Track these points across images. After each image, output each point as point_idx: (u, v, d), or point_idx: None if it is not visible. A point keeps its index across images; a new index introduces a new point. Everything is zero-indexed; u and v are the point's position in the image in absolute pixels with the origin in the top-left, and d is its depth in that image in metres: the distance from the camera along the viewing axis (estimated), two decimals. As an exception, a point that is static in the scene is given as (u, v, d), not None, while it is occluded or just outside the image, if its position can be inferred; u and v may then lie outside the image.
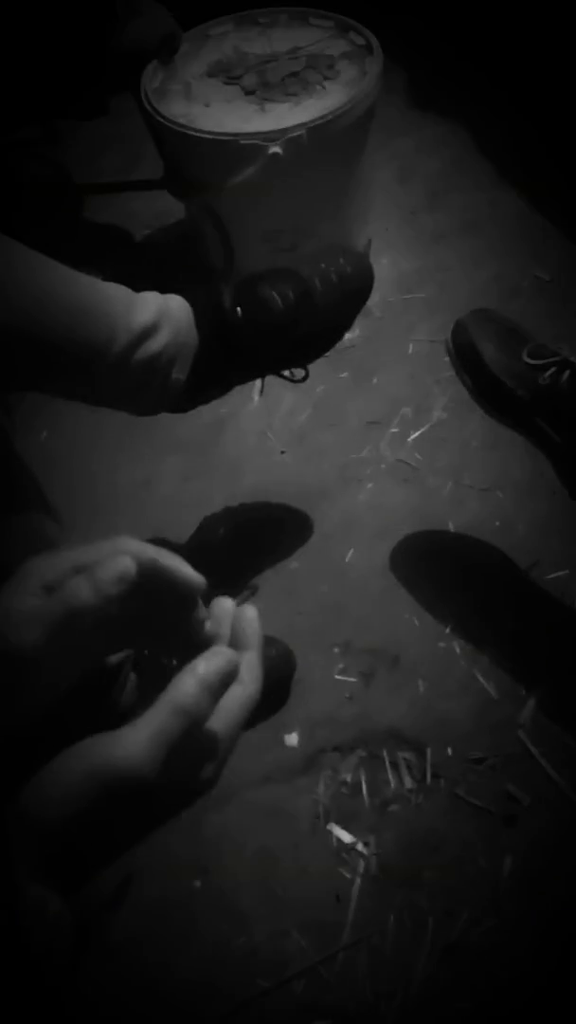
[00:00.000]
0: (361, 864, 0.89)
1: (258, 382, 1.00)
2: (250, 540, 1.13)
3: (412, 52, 1.66)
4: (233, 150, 1.12)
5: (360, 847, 0.90)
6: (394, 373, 1.27)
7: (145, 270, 0.89)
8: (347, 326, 0.95)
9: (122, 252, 1.49)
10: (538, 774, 0.92)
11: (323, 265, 0.91)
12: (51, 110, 1.50)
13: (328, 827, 0.91)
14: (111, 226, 1.54)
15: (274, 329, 0.87)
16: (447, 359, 1.25)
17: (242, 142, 1.11)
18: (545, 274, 1.35)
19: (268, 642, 0.99)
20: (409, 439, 1.20)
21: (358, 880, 0.88)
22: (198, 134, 1.13)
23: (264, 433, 1.23)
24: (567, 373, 0.90)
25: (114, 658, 0.84)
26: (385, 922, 0.86)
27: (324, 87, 1.18)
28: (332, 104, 1.14)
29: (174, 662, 0.92)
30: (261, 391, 1.00)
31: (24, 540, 0.73)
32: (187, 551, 1.13)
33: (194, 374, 0.84)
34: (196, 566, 1.19)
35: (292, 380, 0.96)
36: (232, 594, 1.08)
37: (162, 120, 1.17)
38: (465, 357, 0.95)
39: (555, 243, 1.39)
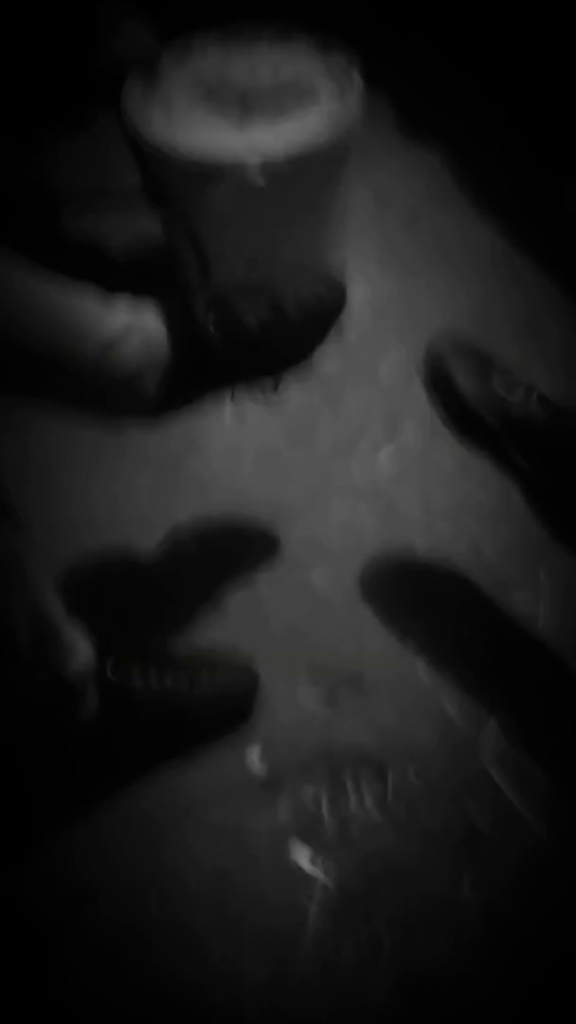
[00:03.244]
0: (319, 887, 0.88)
1: (228, 397, 1.00)
2: (216, 558, 1.13)
3: (395, 78, 1.68)
4: (210, 170, 1.13)
5: (318, 870, 0.89)
6: (365, 395, 1.28)
7: (120, 284, 0.89)
8: (318, 346, 0.96)
9: (97, 265, 1.48)
10: (499, 798, 0.92)
11: (297, 285, 0.92)
12: (31, 123, 1.51)
13: (287, 848, 0.90)
14: (85, 238, 1.53)
15: (246, 345, 0.88)
16: (418, 383, 1.27)
17: (219, 162, 1.12)
18: (515, 306, 1.37)
19: (231, 660, 0.99)
20: (378, 461, 1.20)
21: (315, 903, 0.87)
22: (176, 153, 1.14)
23: (233, 451, 1.23)
24: (536, 401, 0.91)
25: (74, 670, 0.83)
26: (342, 946, 0.85)
27: (305, 109, 1.19)
28: (312, 127, 1.15)
29: (135, 677, 0.91)
30: (231, 404, 1.01)
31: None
32: (152, 567, 1.12)
33: (163, 386, 0.84)
34: (163, 582, 1.19)
35: (262, 396, 0.96)
36: (196, 611, 1.09)
37: (140, 136, 1.17)
38: (437, 382, 0.96)
39: (528, 274, 1.42)
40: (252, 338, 0.88)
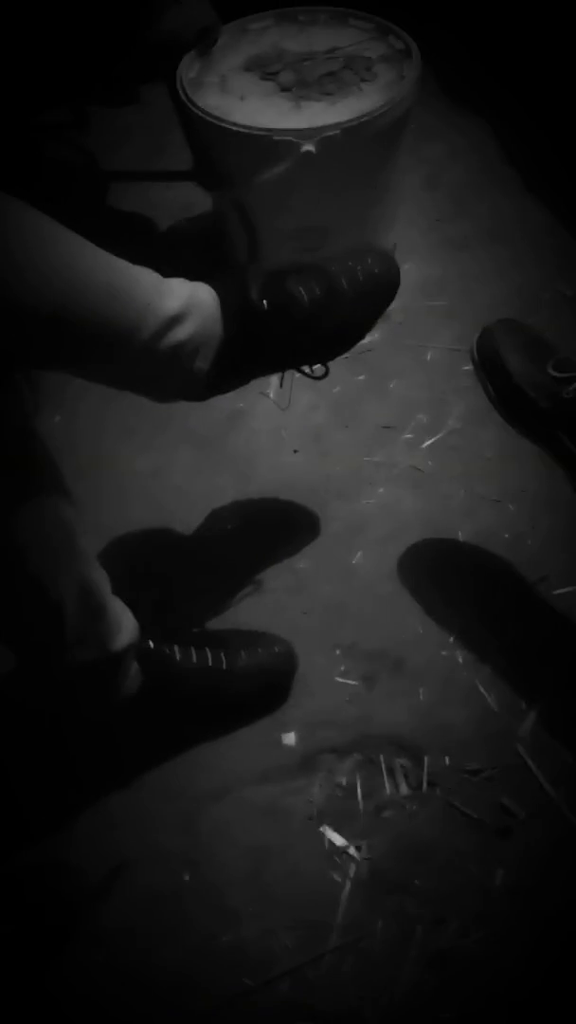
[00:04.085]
0: (352, 868, 0.89)
1: (275, 377, 1.00)
2: (258, 536, 1.13)
3: (446, 60, 1.65)
4: (266, 145, 1.12)
5: (352, 851, 0.89)
6: (411, 379, 1.27)
7: (168, 261, 0.88)
8: (370, 326, 0.95)
9: (145, 241, 1.48)
10: (534, 788, 0.92)
11: (351, 263, 0.91)
12: (81, 94, 1.50)
13: (321, 829, 0.91)
14: (135, 214, 1.53)
15: (298, 324, 0.87)
16: (466, 367, 1.25)
17: (275, 138, 1.11)
18: (568, 289, 1.35)
19: (271, 639, 0.99)
20: (423, 445, 1.19)
21: (348, 884, 0.88)
22: (232, 127, 1.13)
23: (278, 431, 1.23)
24: None
25: (118, 645, 0.83)
26: (373, 927, 0.85)
27: (361, 88, 1.17)
28: (368, 106, 1.14)
29: (176, 653, 0.92)
30: (280, 385, 1.00)
31: (40, 521, 0.73)
32: (194, 543, 1.13)
33: (216, 365, 0.84)
34: (204, 559, 1.19)
35: (312, 377, 0.96)
36: (236, 589, 1.09)
37: (196, 111, 1.17)
38: (489, 365, 0.95)
39: (580, 258, 1.39)
40: (305, 317, 0.87)
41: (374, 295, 0.92)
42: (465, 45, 1.69)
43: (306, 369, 0.94)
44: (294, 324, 0.87)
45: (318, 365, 0.95)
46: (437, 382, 1.26)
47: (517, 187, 1.52)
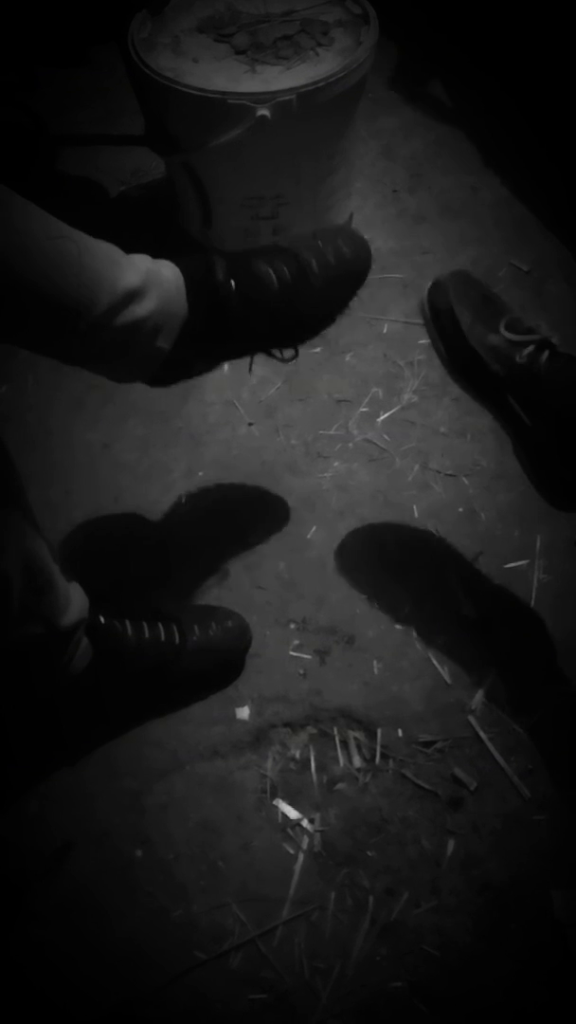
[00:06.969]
0: (305, 840, 0.89)
1: (246, 361, 0.96)
2: (211, 510, 1.11)
3: (405, 30, 1.64)
4: (220, 109, 1.09)
5: (305, 823, 0.89)
6: (367, 352, 1.26)
7: (118, 227, 0.85)
8: (342, 309, 0.91)
9: (95, 207, 1.45)
10: (486, 759, 0.92)
11: (321, 245, 0.88)
12: (29, 56, 1.45)
13: (274, 802, 0.91)
14: (85, 179, 1.49)
15: (268, 307, 0.84)
16: (422, 341, 1.25)
17: (230, 102, 1.08)
18: (522, 264, 1.35)
19: (223, 614, 0.98)
20: (378, 419, 1.19)
21: (301, 856, 0.88)
22: (185, 90, 1.10)
23: (232, 403, 1.21)
24: (546, 354, 0.87)
25: (67, 621, 0.82)
26: (326, 899, 0.86)
27: (317, 53, 1.15)
28: (324, 71, 1.11)
29: (128, 628, 0.90)
30: (250, 370, 0.97)
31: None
32: (145, 518, 1.11)
33: (179, 346, 0.81)
34: (154, 533, 1.17)
35: (281, 360, 0.93)
36: (188, 564, 1.07)
37: (148, 72, 1.13)
38: (441, 322, 0.90)
39: (534, 234, 1.39)
40: (274, 300, 0.84)
41: (345, 278, 0.89)
42: (426, 16, 1.67)
43: (276, 352, 0.91)
44: (263, 307, 0.84)
45: (287, 350, 0.92)
46: (393, 356, 1.25)
47: (474, 161, 1.51)
